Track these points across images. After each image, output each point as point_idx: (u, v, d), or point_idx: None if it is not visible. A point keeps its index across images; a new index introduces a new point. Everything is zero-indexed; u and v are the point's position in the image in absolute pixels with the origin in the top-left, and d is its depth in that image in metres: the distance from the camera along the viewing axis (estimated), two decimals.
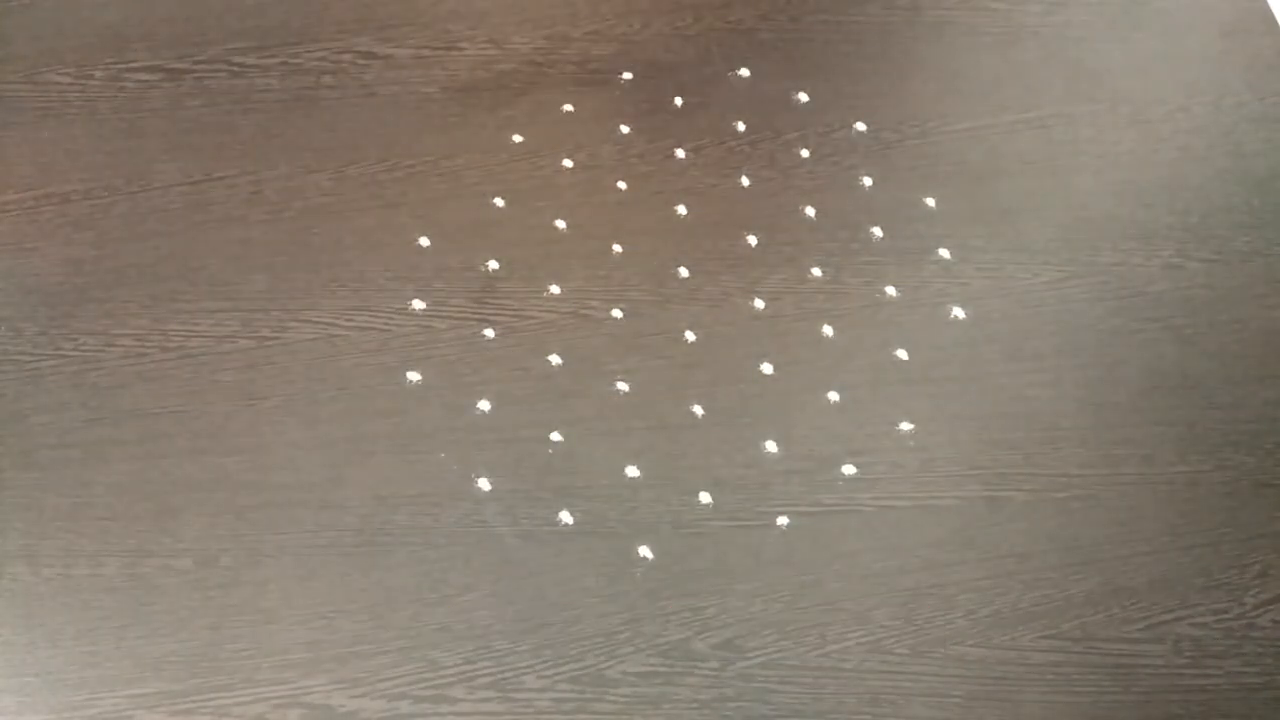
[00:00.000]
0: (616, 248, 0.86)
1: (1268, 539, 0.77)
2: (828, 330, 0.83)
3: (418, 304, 0.83)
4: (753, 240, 0.87)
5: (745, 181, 0.90)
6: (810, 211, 0.88)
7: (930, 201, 0.89)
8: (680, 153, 0.91)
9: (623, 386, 0.81)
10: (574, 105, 0.93)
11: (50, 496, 0.75)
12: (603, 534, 0.75)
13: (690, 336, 0.83)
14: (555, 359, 0.81)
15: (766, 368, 0.82)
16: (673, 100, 0.94)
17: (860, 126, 0.92)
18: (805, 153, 0.91)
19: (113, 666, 0.71)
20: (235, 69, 0.94)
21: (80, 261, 0.84)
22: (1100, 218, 0.89)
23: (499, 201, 0.88)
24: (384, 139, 0.91)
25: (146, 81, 0.93)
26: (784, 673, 0.72)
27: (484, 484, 0.77)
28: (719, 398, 0.80)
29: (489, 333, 0.82)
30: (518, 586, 0.74)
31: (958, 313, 0.84)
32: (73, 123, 0.91)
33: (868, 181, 0.90)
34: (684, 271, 0.85)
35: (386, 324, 0.83)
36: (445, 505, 0.76)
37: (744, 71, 0.95)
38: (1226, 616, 0.74)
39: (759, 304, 0.84)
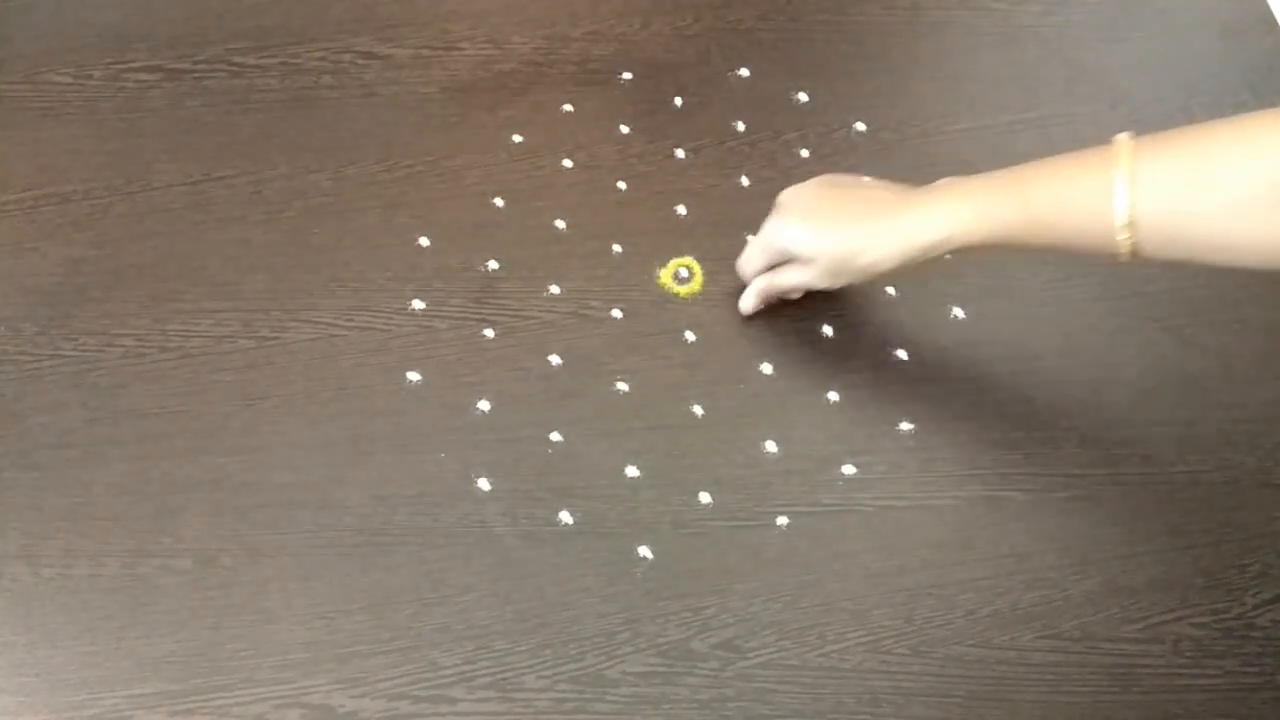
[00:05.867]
0: (616, 248, 0.86)
1: (1268, 539, 0.77)
2: (828, 330, 0.83)
3: (417, 304, 0.83)
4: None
5: (745, 181, 0.90)
6: None
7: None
8: (680, 153, 0.91)
9: (623, 386, 0.81)
10: (574, 105, 0.93)
11: (50, 496, 0.75)
12: (602, 534, 0.75)
13: (690, 336, 0.83)
14: (555, 359, 0.81)
15: (766, 368, 0.82)
16: (672, 100, 0.94)
17: (860, 126, 0.92)
18: (805, 153, 0.91)
19: (113, 666, 0.71)
20: (235, 69, 0.94)
21: (80, 261, 0.84)
22: None
23: (499, 201, 0.88)
24: (384, 139, 0.91)
25: (146, 81, 0.93)
26: (784, 673, 0.72)
27: (484, 484, 0.77)
28: (719, 398, 0.80)
29: (489, 333, 0.82)
30: (517, 586, 0.74)
31: (958, 313, 0.84)
32: (73, 123, 0.91)
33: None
34: (684, 271, 0.85)
35: (386, 324, 0.83)
36: (445, 505, 0.76)
37: (744, 71, 0.95)
38: (1226, 616, 0.74)
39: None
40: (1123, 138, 0.65)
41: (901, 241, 0.72)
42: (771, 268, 0.81)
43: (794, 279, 0.79)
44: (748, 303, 0.82)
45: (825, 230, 0.76)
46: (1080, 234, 0.67)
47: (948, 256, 0.72)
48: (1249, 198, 0.61)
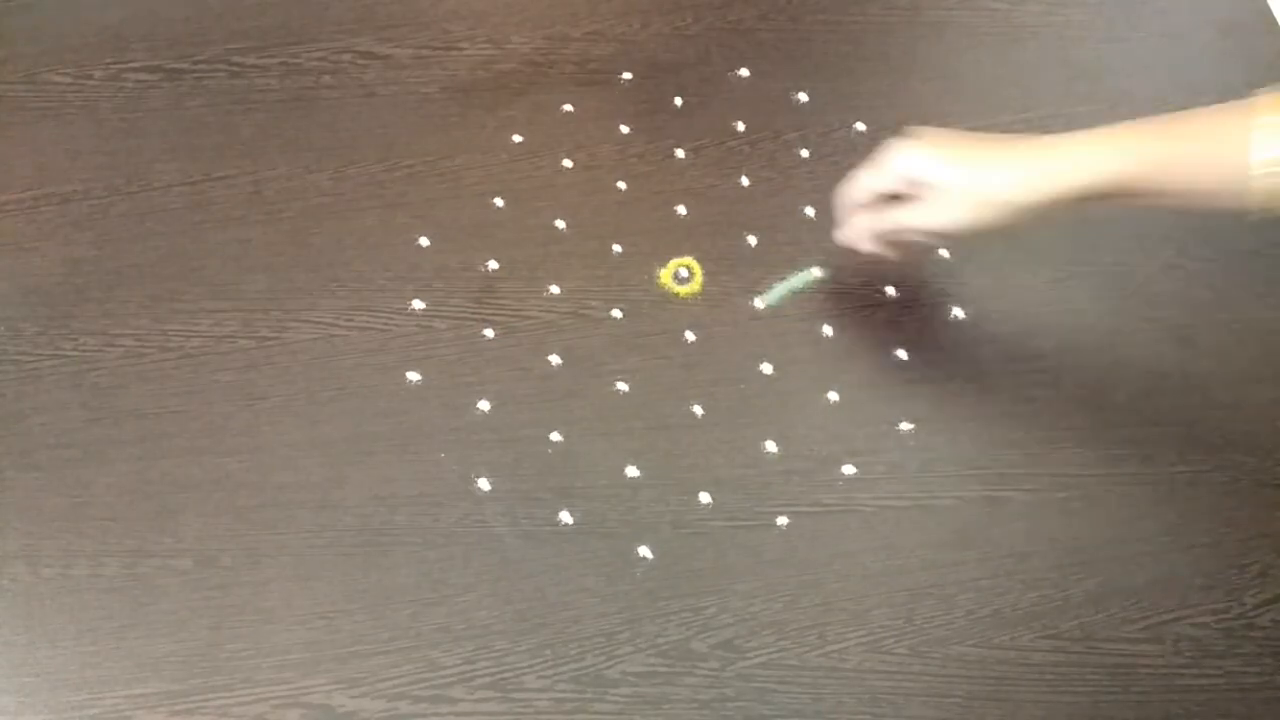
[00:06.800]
0: (616, 248, 0.86)
1: (1268, 539, 0.77)
2: (828, 330, 0.83)
3: (418, 304, 0.83)
4: (753, 240, 0.87)
5: (745, 181, 0.90)
6: (810, 211, 0.88)
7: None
8: (680, 153, 0.91)
9: (623, 386, 0.81)
10: (574, 105, 0.93)
11: (50, 496, 0.76)
12: (603, 534, 0.75)
13: (690, 336, 0.83)
14: (555, 359, 0.81)
15: (766, 368, 0.82)
16: (672, 100, 0.94)
17: (860, 126, 0.92)
18: (805, 153, 0.91)
19: (113, 666, 0.71)
20: (235, 69, 0.94)
21: (80, 261, 0.85)
22: (1100, 218, 0.88)
23: (499, 201, 0.88)
24: (384, 139, 0.91)
25: (146, 81, 0.93)
26: (784, 673, 0.72)
27: (484, 484, 0.77)
28: (719, 398, 0.80)
29: (489, 333, 0.82)
30: (517, 586, 0.74)
31: (958, 313, 0.84)
32: (73, 123, 0.91)
33: None
34: (684, 271, 0.85)
35: (386, 324, 0.83)
36: (445, 505, 0.76)
37: (744, 71, 0.95)
38: (1226, 616, 0.74)
39: (759, 304, 0.84)
40: (1265, 91, 0.65)
41: (1036, 168, 0.70)
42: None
43: (915, 215, 0.73)
44: (860, 238, 0.77)
45: (960, 155, 0.71)
46: (1217, 179, 0.67)
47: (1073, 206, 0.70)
48: None
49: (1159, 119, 0.70)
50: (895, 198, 0.75)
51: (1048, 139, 0.71)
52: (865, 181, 0.76)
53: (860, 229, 0.77)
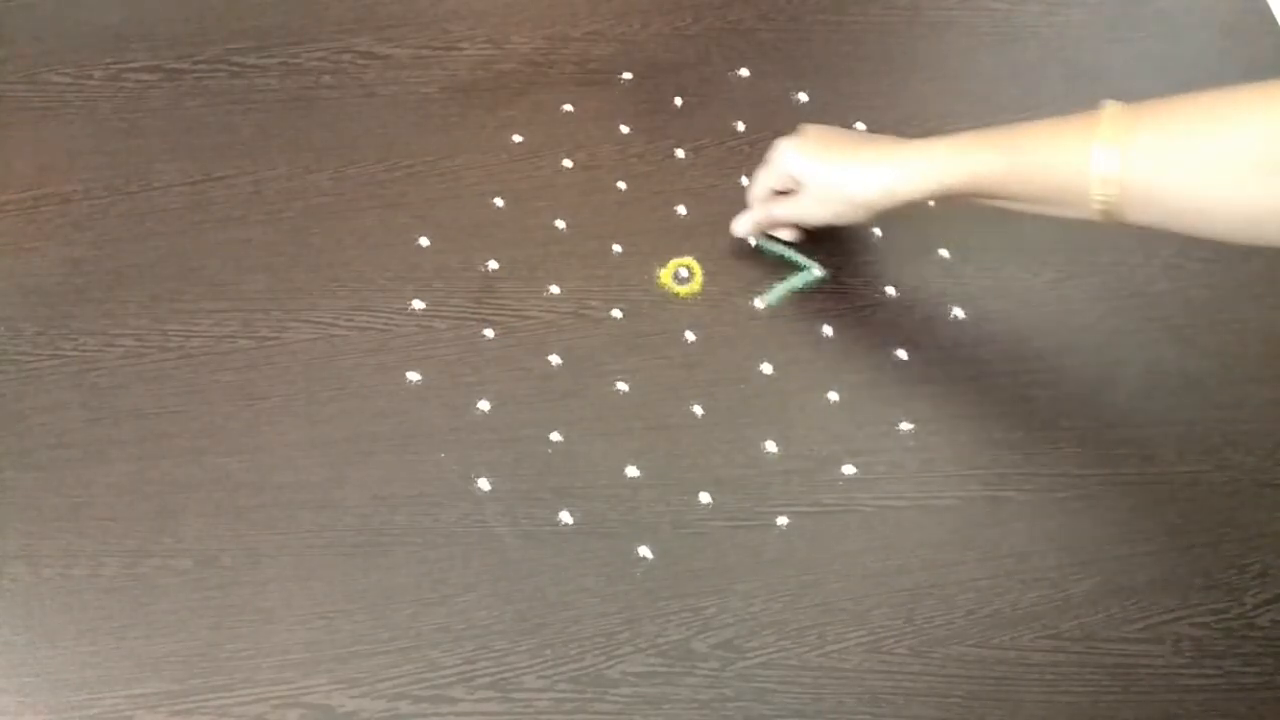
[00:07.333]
0: (616, 248, 0.86)
1: (1268, 539, 0.77)
2: (828, 330, 0.83)
3: (417, 304, 0.83)
4: (753, 240, 0.87)
5: (745, 181, 0.89)
6: None
7: (930, 201, 0.89)
8: (680, 153, 0.91)
9: (623, 386, 0.81)
10: (574, 105, 0.93)
11: (50, 496, 0.75)
12: (602, 534, 0.75)
13: (690, 336, 0.83)
14: (555, 359, 0.81)
15: (766, 368, 0.82)
16: (672, 100, 0.94)
17: (860, 126, 0.92)
18: None
19: (113, 666, 0.71)
20: (235, 69, 0.94)
21: (80, 261, 0.84)
22: None
23: (499, 201, 0.88)
24: (384, 139, 0.91)
25: (146, 81, 0.93)
26: (784, 673, 0.72)
27: (484, 484, 0.77)
28: (719, 398, 0.80)
29: (489, 333, 0.82)
30: (517, 586, 0.74)
31: (958, 313, 0.84)
32: (73, 123, 0.91)
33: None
34: (684, 271, 0.85)
35: (386, 324, 0.83)
36: (445, 505, 0.76)
37: (744, 71, 0.95)
38: (1226, 616, 0.74)
39: (759, 304, 0.84)
40: (1110, 103, 0.66)
41: (886, 174, 0.75)
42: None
43: (788, 208, 0.82)
44: (742, 227, 0.85)
45: (820, 156, 0.79)
46: (1058, 190, 0.68)
47: (931, 203, 0.75)
48: (1228, 166, 0.61)
49: (1011, 127, 0.71)
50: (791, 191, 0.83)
51: (908, 144, 0.76)
52: (760, 179, 0.84)
53: (752, 220, 0.85)
